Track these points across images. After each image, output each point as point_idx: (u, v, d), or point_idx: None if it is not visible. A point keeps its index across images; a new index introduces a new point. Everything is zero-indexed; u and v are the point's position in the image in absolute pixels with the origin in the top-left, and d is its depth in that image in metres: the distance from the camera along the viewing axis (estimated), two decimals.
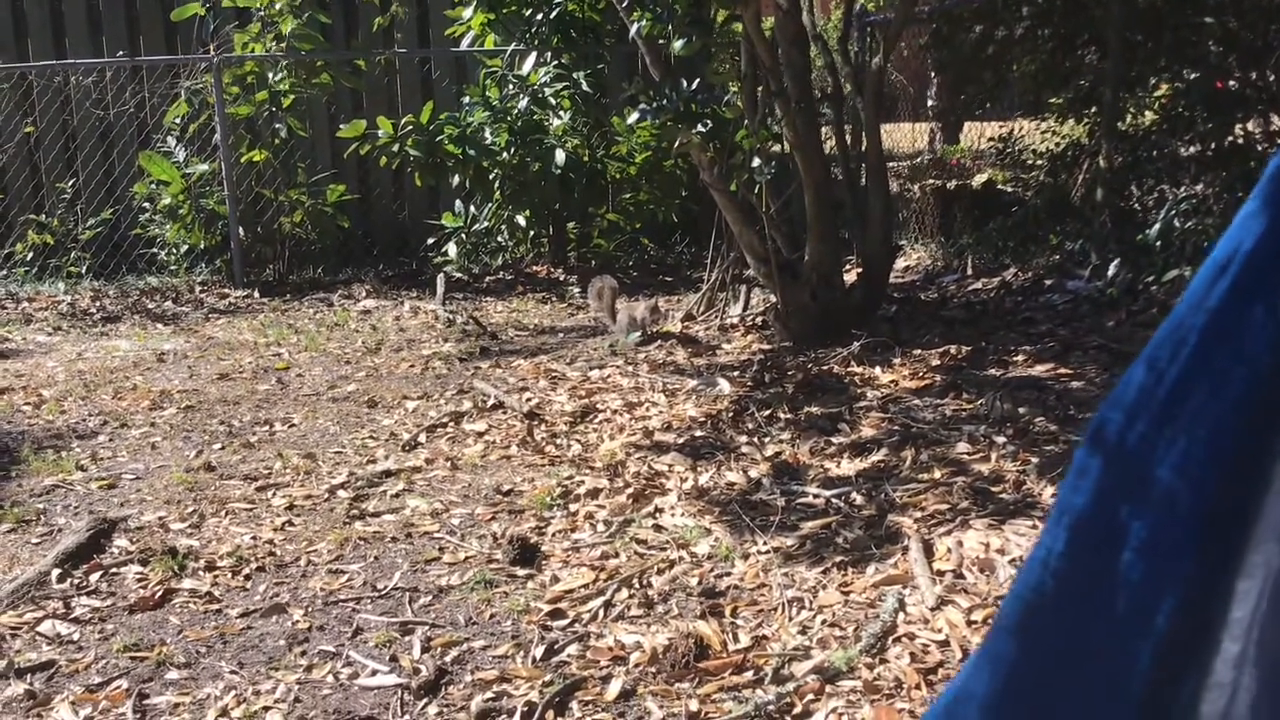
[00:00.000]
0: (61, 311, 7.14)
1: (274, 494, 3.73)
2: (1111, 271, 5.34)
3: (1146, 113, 6.65)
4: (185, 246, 7.90)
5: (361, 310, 7.03)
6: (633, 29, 4.83)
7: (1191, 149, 6.06)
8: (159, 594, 2.99)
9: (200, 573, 3.13)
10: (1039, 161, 7.29)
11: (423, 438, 4.28)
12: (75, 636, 2.79)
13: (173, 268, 7.96)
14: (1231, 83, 6.14)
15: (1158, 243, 5.16)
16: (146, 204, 7.90)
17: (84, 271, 7.84)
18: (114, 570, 3.17)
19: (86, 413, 4.82)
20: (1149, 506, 0.63)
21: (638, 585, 2.92)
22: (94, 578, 3.12)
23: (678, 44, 4.65)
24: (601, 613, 2.79)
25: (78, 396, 5.07)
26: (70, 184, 8.08)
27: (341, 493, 3.72)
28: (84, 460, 4.16)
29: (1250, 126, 6.18)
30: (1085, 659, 0.67)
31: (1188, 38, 6.29)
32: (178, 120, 7.85)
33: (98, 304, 7.37)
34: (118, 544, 3.36)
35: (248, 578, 3.10)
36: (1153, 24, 6.35)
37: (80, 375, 5.47)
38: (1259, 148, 5.90)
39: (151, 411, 4.81)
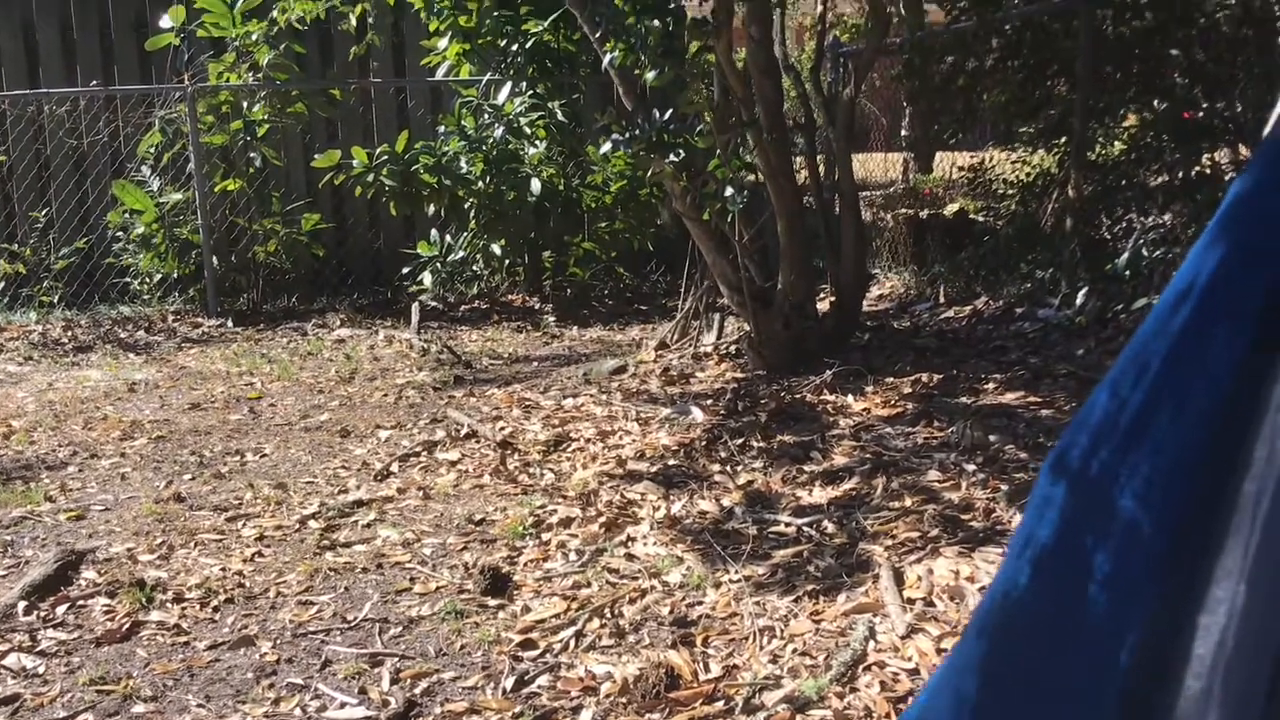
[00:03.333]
0: (33, 341, 7.09)
1: (244, 524, 3.71)
2: (1081, 300, 5.38)
3: (1115, 143, 6.72)
4: (158, 276, 7.87)
5: (336, 339, 7.01)
6: (606, 60, 4.86)
7: (1160, 179, 6.13)
8: (126, 626, 2.96)
9: (168, 605, 3.10)
10: (1010, 191, 7.36)
11: (395, 467, 4.27)
12: (41, 670, 2.76)
13: (146, 297, 7.93)
14: (1199, 113, 6.22)
15: (1126, 272, 5.21)
16: (120, 233, 7.88)
17: (56, 301, 7.80)
18: (81, 602, 3.14)
19: (56, 443, 4.78)
20: (1112, 537, 0.63)
21: (609, 615, 2.92)
22: (61, 610, 3.09)
23: (650, 75, 4.68)
24: (573, 643, 2.78)
25: (48, 427, 5.04)
26: (43, 213, 8.05)
27: (312, 523, 3.70)
28: (53, 491, 4.13)
29: (1218, 156, 6.26)
30: (1050, 697, 0.66)
31: (1155, 69, 6.38)
32: (152, 149, 7.84)
33: (69, 334, 7.32)
34: (85, 576, 3.33)
35: (216, 610, 3.07)
36: (1121, 55, 6.43)
37: (50, 405, 5.43)
38: (1227, 177, 5.98)
39: (122, 442, 4.78)
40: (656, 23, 4.63)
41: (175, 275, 7.87)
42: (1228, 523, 0.60)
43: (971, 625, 0.71)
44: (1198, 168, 5.86)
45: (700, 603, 2.96)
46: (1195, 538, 0.62)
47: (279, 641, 2.87)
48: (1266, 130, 0.63)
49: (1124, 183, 6.15)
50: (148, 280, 7.92)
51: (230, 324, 7.53)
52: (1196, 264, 0.65)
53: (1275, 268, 0.62)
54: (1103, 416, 0.65)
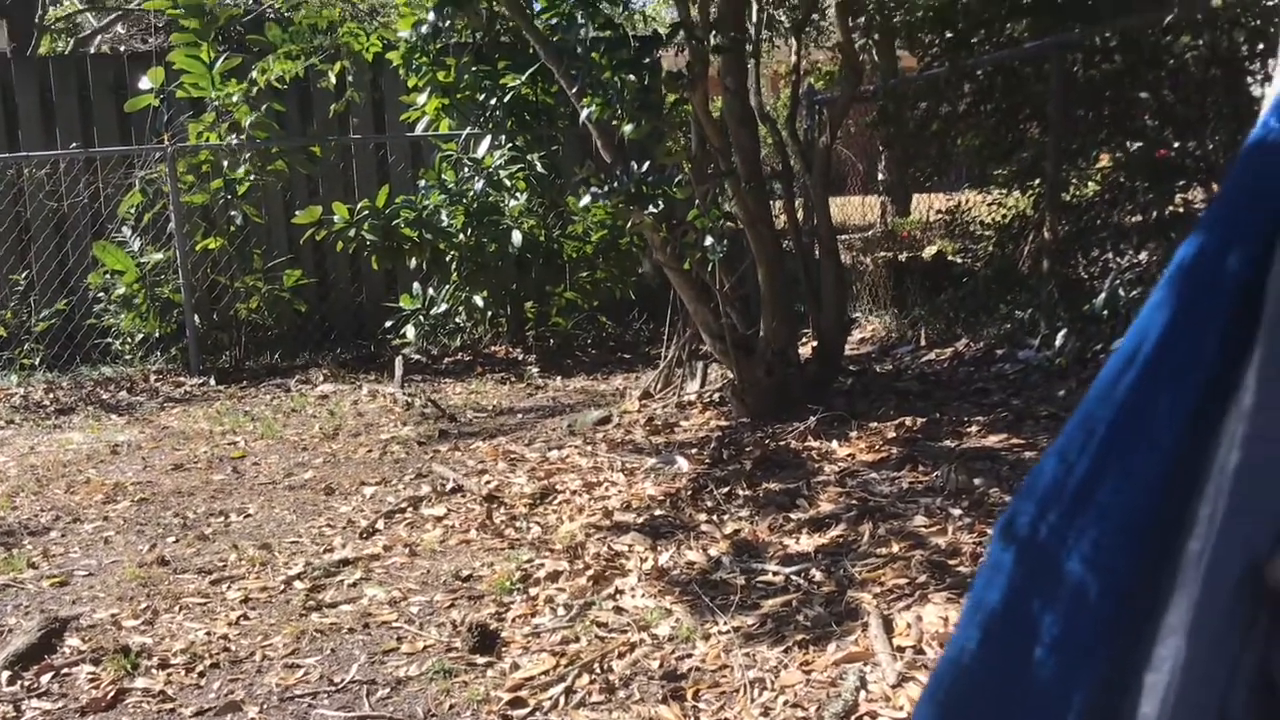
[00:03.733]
0: (14, 404, 7.05)
1: (228, 587, 3.68)
2: (1060, 341, 5.42)
3: (1089, 184, 6.81)
4: (140, 335, 7.86)
5: (319, 395, 7.00)
6: (583, 114, 4.91)
7: (1134, 219, 6.20)
8: (111, 694, 2.93)
9: (153, 671, 3.07)
10: (987, 233, 7.43)
11: (381, 524, 4.25)
12: None
13: (127, 357, 7.90)
14: (1172, 152, 6.30)
15: (1104, 311, 5.26)
16: (101, 294, 7.87)
17: (37, 363, 7.77)
18: (65, 671, 3.11)
19: (39, 508, 4.75)
20: (1060, 600, 0.64)
21: (599, 670, 2.90)
22: (45, 679, 3.06)
23: (628, 128, 4.73)
24: (562, 700, 2.76)
25: (30, 491, 5.00)
26: (24, 276, 8.04)
27: (298, 584, 3.68)
28: (35, 558, 4.09)
29: (1191, 196, 6.34)
30: None
31: (1126, 111, 6.47)
32: (132, 210, 7.85)
33: (51, 396, 7.29)
34: (69, 643, 3.30)
35: (202, 675, 3.05)
36: (1091, 98, 6.53)
37: (33, 469, 5.40)
38: (1201, 216, 6.04)
39: (105, 505, 4.75)
40: (632, 77, 4.68)
41: (157, 334, 7.86)
42: (1173, 582, 0.61)
43: (925, 692, 0.72)
44: (1171, 207, 5.93)
45: (690, 655, 2.95)
46: (1142, 599, 0.64)
47: (266, 706, 2.84)
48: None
49: (1099, 223, 6.23)
50: (129, 340, 7.90)
51: (213, 382, 7.51)
52: (1143, 328, 0.66)
53: (1222, 330, 0.64)
54: (1050, 483, 0.66)
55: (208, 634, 3.30)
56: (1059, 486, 0.66)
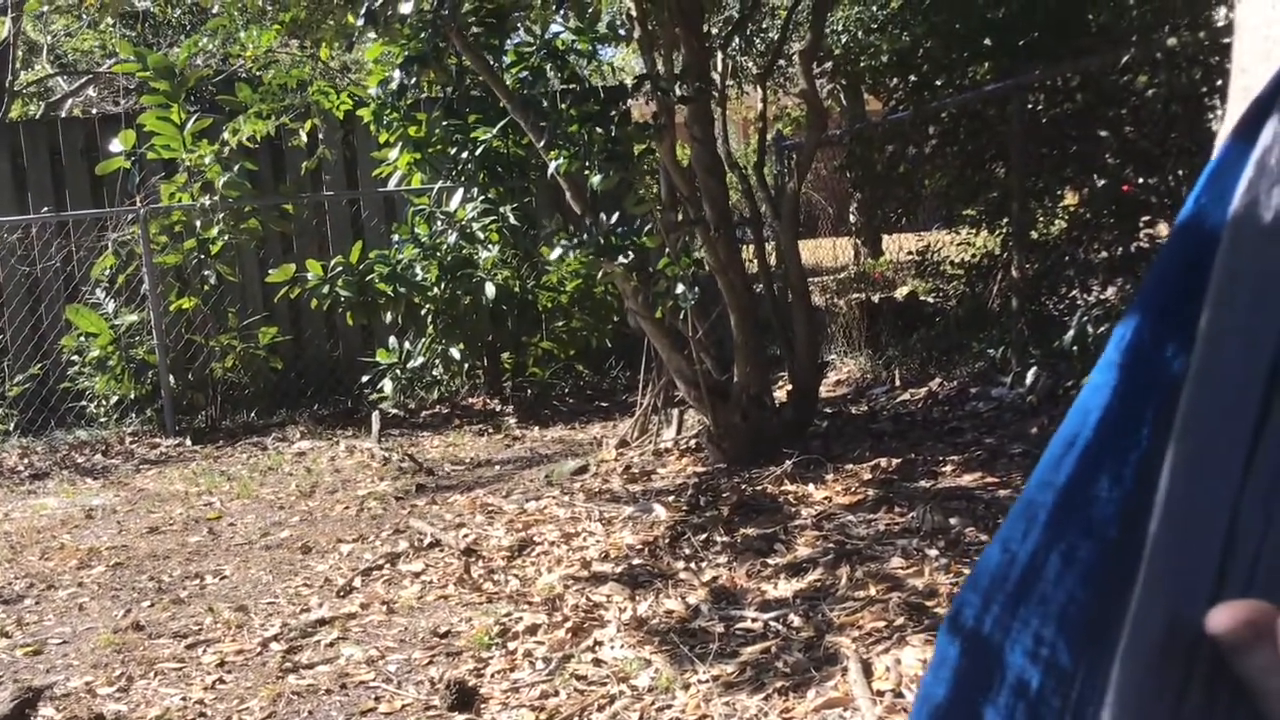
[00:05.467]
0: None
1: (204, 651, 3.65)
2: (1031, 378, 5.47)
3: (1056, 221, 6.88)
4: (115, 398, 7.82)
5: (296, 452, 6.97)
6: (552, 166, 4.95)
7: (1100, 255, 6.27)
8: None
9: None
10: (957, 272, 7.49)
11: (358, 582, 4.23)
12: None
13: (102, 420, 7.86)
14: (1134, 188, 6.38)
15: (1074, 348, 5.31)
16: (75, 357, 7.84)
17: (11, 429, 7.72)
18: None
19: (12, 576, 4.70)
20: (1002, 694, 0.64)
21: None
22: None
23: (596, 179, 4.77)
24: None
25: (3, 559, 4.95)
26: None
27: (274, 645, 3.65)
28: (9, 626, 4.05)
29: (1155, 231, 6.41)
30: None
31: (1089, 149, 6.56)
32: (106, 272, 7.85)
33: (25, 461, 7.24)
34: (43, 713, 3.26)
35: None
36: (1054, 136, 6.62)
37: (6, 536, 5.35)
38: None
39: (79, 571, 4.71)
40: (599, 129, 4.73)
41: (132, 396, 7.82)
42: (1112, 666, 0.62)
43: None
44: (1136, 243, 6.00)
45: (670, 706, 2.94)
46: (1084, 691, 0.64)
47: None
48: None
49: (1066, 260, 6.29)
50: (104, 403, 7.86)
51: (189, 443, 7.47)
52: (1084, 409, 0.67)
53: (1157, 413, 0.64)
54: (993, 572, 0.66)
55: (184, 699, 3.27)
56: (1002, 576, 0.66)
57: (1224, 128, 0.77)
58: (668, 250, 5.24)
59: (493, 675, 3.26)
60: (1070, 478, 0.64)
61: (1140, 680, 0.59)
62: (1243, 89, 0.90)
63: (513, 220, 7.87)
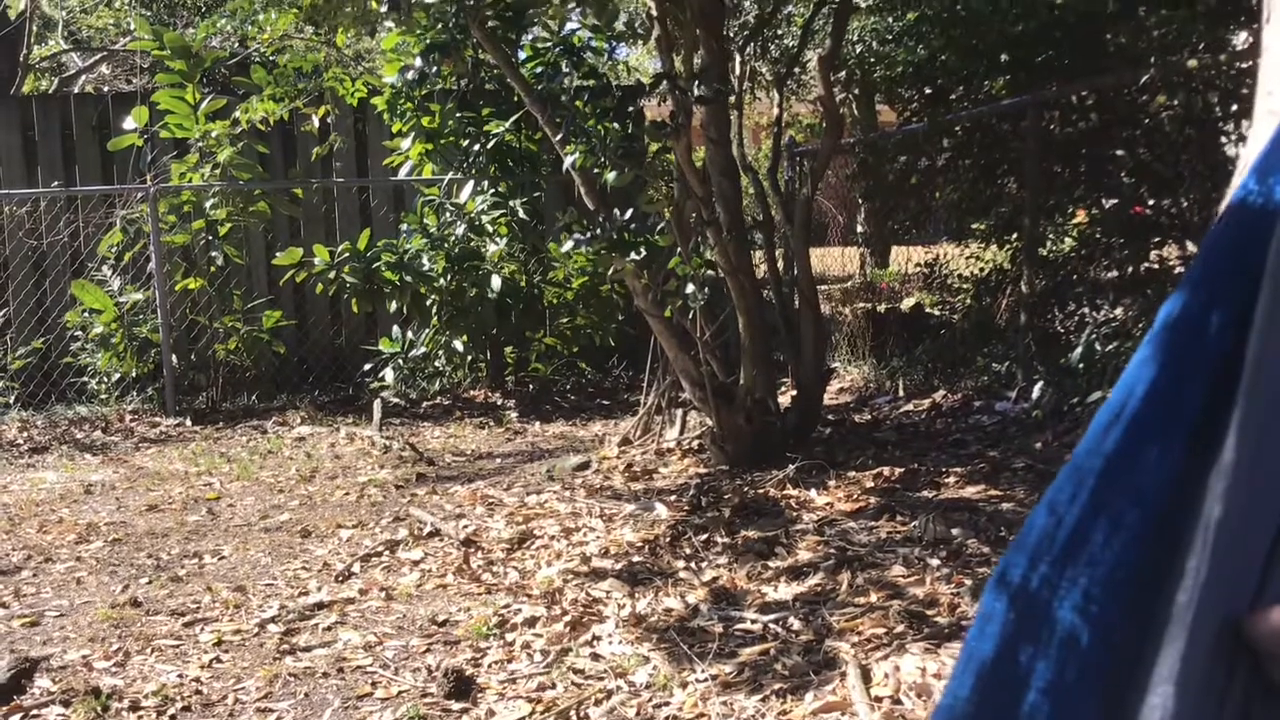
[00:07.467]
0: None
1: (202, 629, 3.64)
2: (1036, 393, 5.47)
3: (1066, 239, 6.89)
4: (117, 375, 7.82)
5: (296, 437, 6.96)
6: (567, 161, 4.95)
7: (1110, 274, 6.27)
8: None
9: (124, 713, 3.03)
10: (964, 286, 7.49)
11: (357, 567, 4.22)
12: None
13: (103, 396, 7.85)
14: (1147, 209, 6.39)
15: (1080, 365, 5.31)
16: (79, 333, 7.84)
17: (12, 402, 7.71)
18: (35, 712, 3.06)
19: (10, 548, 4.69)
20: (1052, 648, 0.65)
21: (575, 717, 2.88)
22: None
23: (611, 175, 4.77)
24: None
25: (1, 531, 4.95)
26: (1, 313, 7.99)
27: (272, 627, 3.64)
28: (6, 597, 4.04)
29: (1165, 253, 6.42)
30: None
31: (1102, 168, 6.57)
32: (113, 249, 7.84)
33: (25, 434, 7.23)
34: (40, 684, 3.25)
35: (173, 718, 3.00)
36: (1068, 155, 6.62)
37: (5, 508, 5.34)
38: (1175, 272, 6.13)
39: (77, 545, 4.70)
40: (616, 125, 4.73)
41: (134, 374, 7.82)
42: (1163, 632, 0.63)
43: None
44: (1146, 264, 6.01)
45: (667, 703, 2.94)
46: (1131, 648, 0.65)
47: None
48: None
49: (1075, 278, 6.29)
50: (105, 380, 7.86)
51: (189, 423, 7.46)
52: (1130, 382, 0.68)
53: (1205, 385, 0.66)
54: (1040, 534, 0.68)
55: (180, 676, 3.26)
56: (1049, 538, 0.67)
57: (1248, 148, 0.79)
58: (679, 250, 5.24)
59: (490, 665, 3.26)
60: (1118, 446, 0.66)
61: (1203, 662, 0.59)
62: (1269, 111, 0.91)
63: (522, 214, 7.88)
